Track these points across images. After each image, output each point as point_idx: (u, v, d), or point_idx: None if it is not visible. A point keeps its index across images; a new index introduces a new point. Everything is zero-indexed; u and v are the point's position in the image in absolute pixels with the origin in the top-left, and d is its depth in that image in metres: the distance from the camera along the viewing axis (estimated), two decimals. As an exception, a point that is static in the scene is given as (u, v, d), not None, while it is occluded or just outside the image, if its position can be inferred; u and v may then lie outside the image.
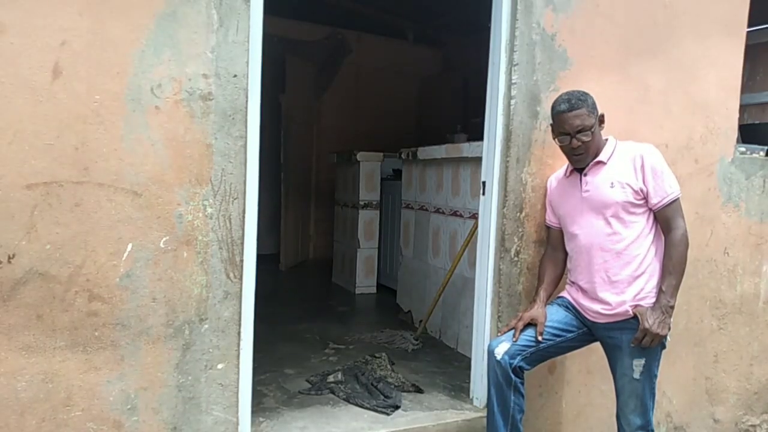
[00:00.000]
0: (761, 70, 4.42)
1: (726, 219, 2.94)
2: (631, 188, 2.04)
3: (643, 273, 2.06)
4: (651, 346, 1.98)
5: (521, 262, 2.48)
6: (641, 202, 2.06)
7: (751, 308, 3.08)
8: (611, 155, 2.11)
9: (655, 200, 2.05)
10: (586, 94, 2.10)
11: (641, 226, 2.07)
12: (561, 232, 2.32)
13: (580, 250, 2.16)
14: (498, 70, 2.43)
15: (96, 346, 1.80)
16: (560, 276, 2.34)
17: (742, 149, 3.01)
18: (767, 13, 3.72)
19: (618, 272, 2.06)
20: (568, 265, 2.27)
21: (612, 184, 2.06)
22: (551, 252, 2.35)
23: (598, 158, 2.11)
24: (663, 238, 2.10)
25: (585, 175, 2.14)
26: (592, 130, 2.05)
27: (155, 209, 1.84)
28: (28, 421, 1.75)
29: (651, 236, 2.09)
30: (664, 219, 2.06)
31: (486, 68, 2.50)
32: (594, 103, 2.09)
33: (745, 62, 2.94)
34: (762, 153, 3.08)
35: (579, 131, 2.05)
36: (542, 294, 2.23)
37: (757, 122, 4.16)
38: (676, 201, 2.06)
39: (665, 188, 2.04)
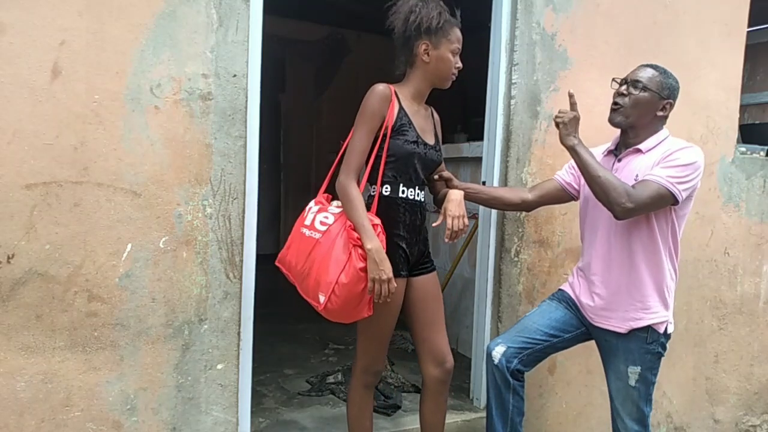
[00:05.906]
0: (761, 70, 4.42)
1: (726, 219, 2.94)
2: None
3: (641, 282, 1.92)
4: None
5: (521, 262, 2.47)
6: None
7: (752, 308, 3.08)
8: (653, 148, 1.92)
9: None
10: (671, 79, 1.94)
11: (653, 233, 1.90)
12: (556, 188, 2.17)
13: (593, 238, 2.03)
14: (498, 70, 2.43)
15: (95, 346, 1.80)
16: (507, 201, 2.18)
17: (743, 149, 3.01)
18: (767, 12, 3.72)
19: (618, 269, 1.95)
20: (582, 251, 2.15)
21: (637, 176, 1.89)
22: (525, 188, 2.24)
23: (637, 146, 1.94)
24: (675, 260, 1.97)
25: (619, 160, 1.99)
26: (642, 93, 1.89)
27: (155, 209, 1.84)
28: (27, 422, 1.74)
29: (662, 251, 1.92)
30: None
31: (486, 68, 2.50)
32: (670, 88, 1.92)
33: (745, 62, 2.94)
34: (762, 153, 3.08)
35: (633, 82, 1.92)
36: (476, 186, 2.14)
37: (757, 122, 4.16)
38: (658, 188, 1.79)
39: (660, 172, 1.81)
